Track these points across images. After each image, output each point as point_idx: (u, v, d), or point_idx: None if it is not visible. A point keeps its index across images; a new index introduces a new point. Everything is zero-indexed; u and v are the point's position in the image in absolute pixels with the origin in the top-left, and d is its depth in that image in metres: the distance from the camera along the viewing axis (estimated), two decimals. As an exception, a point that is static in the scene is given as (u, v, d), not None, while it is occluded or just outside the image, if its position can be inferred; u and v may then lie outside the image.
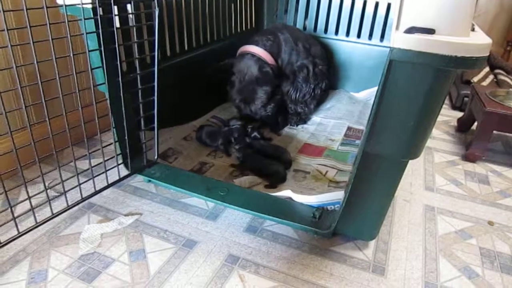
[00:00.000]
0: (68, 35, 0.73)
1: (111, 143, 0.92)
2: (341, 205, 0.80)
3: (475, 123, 1.37)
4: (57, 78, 0.73)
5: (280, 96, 1.29)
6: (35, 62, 0.69)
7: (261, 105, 1.24)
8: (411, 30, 0.58)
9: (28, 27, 0.67)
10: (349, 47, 1.59)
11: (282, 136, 1.29)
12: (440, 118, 1.59)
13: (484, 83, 1.71)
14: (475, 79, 1.73)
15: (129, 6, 0.90)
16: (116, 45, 0.83)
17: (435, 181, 1.15)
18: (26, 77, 1.02)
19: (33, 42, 0.68)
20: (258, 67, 1.21)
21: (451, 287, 0.78)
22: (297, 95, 1.32)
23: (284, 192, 0.93)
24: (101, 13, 0.79)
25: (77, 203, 0.86)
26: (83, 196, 0.87)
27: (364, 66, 1.59)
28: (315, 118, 1.41)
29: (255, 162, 1.09)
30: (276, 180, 1.02)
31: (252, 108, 1.26)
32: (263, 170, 1.05)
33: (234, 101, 1.28)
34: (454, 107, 1.73)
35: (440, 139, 1.43)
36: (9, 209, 0.74)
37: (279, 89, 1.29)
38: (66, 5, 0.75)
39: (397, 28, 0.59)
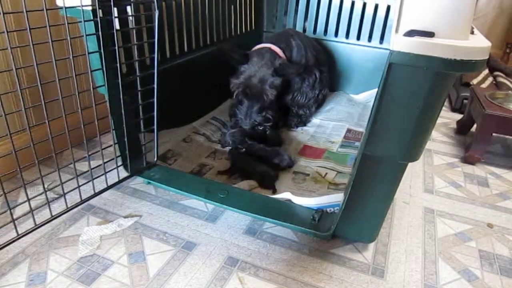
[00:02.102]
0: (68, 37, 0.73)
1: (111, 145, 0.92)
2: (341, 208, 0.80)
3: (475, 125, 1.37)
4: (57, 80, 0.73)
5: (278, 109, 1.23)
6: (35, 64, 0.69)
7: (265, 105, 1.17)
8: (410, 33, 0.58)
9: (28, 29, 0.67)
10: (349, 49, 1.60)
11: (281, 138, 1.29)
12: (439, 120, 1.59)
13: (484, 85, 1.71)
14: (475, 81, 1.74)
15: (129, 8, 0.90)
16: (116, 47, 0.83)
17: (435, 184, 1.15)
18: (25, 79, 1.02)
19: (33, 44, 0.68)
20: (276, 59, 1.20)
21: (450, 290, 0.78)
22: (304, 100, 1.33)
23: (284, 194, 0.93)
24: (101, 15, 0.79)
25: (77, 205, 0.86)
26: (83, 198, 0.87)
27: (364, 68, 1.59)
28: (315, 120, 1.41)
29: (243, 163, 1.09)
30: (266, 181, 1.02)
31: (255, 105, 1.17)
32: (251, 171, 1.05)
33: (235, 89, 1.18)
34: (453, 109, 1.73)
35: (440, 141, 1.43)
36: (8, 211, 0.74)
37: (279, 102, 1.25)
38: (66, 7, 0.75)
39: (396, 31, 0.59)
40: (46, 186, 0.79)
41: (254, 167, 1.06)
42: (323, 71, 1.39)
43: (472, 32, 0.64)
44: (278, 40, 1.31)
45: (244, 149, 1.13)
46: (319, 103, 1.46)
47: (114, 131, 0.90)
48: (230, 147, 1.17)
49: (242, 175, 1.05)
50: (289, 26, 1.65)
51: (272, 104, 1.20)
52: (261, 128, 1.18)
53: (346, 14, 1.55)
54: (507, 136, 1.43)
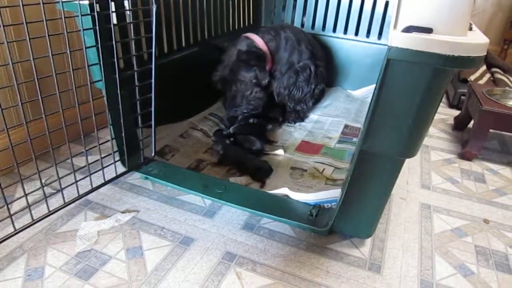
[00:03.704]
0: (65, 32, 0.73)
1: (108, 140, 0.91)
2: (338, 203, 0.80)
3: (472, 122, 1.37)
4: (54, 74, 0.73)
5: (263, 97, 1.23)
6: (32, 58, 0.69)
7: (242, 93, 1.19)
8: (409, 29, 0.58)
9: (25, 23, 0.67)
10: (347, 45, 1.59)
11: (279, 134, 1.29)
12: (437, 116, 1.60)
13: (481, 82, 1.72)
14: (472, 77, 1.74)
15: (126, 3, 0.89)
16: (113, 42, 0.82)
17: (432, 179, 1.15)
18: (22, 73, 1.02)
19: (29, 39, 0.67)
20: (247, 45, 1.20)
21: (446, 285, 0.78)
22: (300, 94, 1.32)
23: (281, 190, 0.93)
24: (98, 10, 0.79)
25: (74, 200, 0.86)
26: (80, 193, 0.86)
27: (362, 64, 1.59)
28: (312, 116, 1.41)
29: (236, 155, 1.09)
30: (261, 175, 1.03)
31: (234, 94, 1.19)
32: (245, 164, 1.06)
33: (213, 80, 1.22)
34: (451, 106, 1.74)
35: (437, 137, 1.43)
36: (5, 206, 0.73)
37: (265, 90, 1.25)
38: (62, 1, 0.75)
39: (395, 27, 0.59)
40: (43, 181, 0.79)
41: (247, 160, 1.06)
42: (318, 66, 1.38)
43: (470, 29, 0.64)
44: (266, 31, 1.30)
45: (231, 139, 1.15)
46: (316, 98, 1.45)
47: (111, 126, 0.90)
48: (217, 139, 1.19)
49: (235, 168, 1.07)
50: (287, 21, 1.65)
51: (255, 93, 1.21)
52: (245, 115, 1.22)
53: (345, 9, 1.55)
54: (504, 132, 1.44)
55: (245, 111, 1.22)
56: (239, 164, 1.07)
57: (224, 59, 1.22)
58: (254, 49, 1.21)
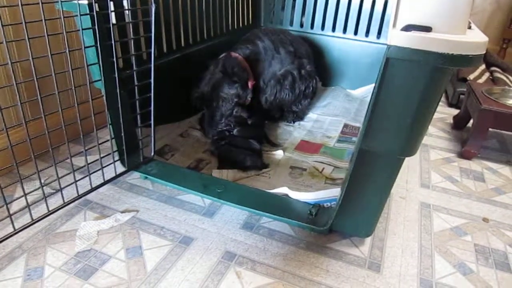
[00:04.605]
0: (64, 31, 0.73)
1: (108, 140, 0.91)
2: (338, 202, 0.80)
3: (471, 121, 1.37)
4: (53, 74, 0.73)
5: (244, 118, 1.20)
6: (31, 58, 0.69)
7: (222, 112, 1.17)
8: (408, 28, 0.58)
9: (24, 22, 0.67)
10: (346, 44, 1.59)
11: (279, 133, 1.29)
12: (436, 116, 1.60)
13: (480, 81, 1.72)
14: (471, 76, 1.74)
15: (125, 2, 0.89)
16: (113, 41, 0.82)
17: (431, 178, 1.15)
18: (21, 73, 1.02)
19: (28, 38, 0.67)
20: (229, 62, 1.18)
21: (446, 284, 0.78)
22: (289, 98, 1.30)
23: (281, 189, 0.93)
24: (97, 9, 0.79)
25: (73, 200, 0.86)
26: (79, 193, 0.86)
27: (361, 63, 1.59)
28: (312, 115, 1.42)
29: (229, 154, 1.10)
30: (251, 160, 1.05)
31: (215, 113, 1.17)
32: (239, 163, 1.06)
33: (192, 99, 1.20)
34: (450, 105, 1.74)
35: (436, 136, 1.44)
36: (5, 206, 0.73)
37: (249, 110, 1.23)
38: (61, 1, 0.75)
39: (394, 25, 0.59)
40: (42, 181, 0.79)
41: (242, 160, 1.07)
42: (304, 65, 1.33)
43: (469, 27, 0.64)
44: (242, 46, 1.28)
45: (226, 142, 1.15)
46: (311, 96, 1.42)
47: (111, 126, 0.90)
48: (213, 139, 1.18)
49: (228, 165, 1.07)
50: (286, 21, 1.65)
51: (236, 112, 1.19)
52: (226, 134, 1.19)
53: (344, 8, 1.55)
54: (503, 131, 1.44)
55: (224, 128, 1.19)
56: (238, 163, 1.07)
57: (205, 77, 1.19)
58: (236, 63, 1.19)
